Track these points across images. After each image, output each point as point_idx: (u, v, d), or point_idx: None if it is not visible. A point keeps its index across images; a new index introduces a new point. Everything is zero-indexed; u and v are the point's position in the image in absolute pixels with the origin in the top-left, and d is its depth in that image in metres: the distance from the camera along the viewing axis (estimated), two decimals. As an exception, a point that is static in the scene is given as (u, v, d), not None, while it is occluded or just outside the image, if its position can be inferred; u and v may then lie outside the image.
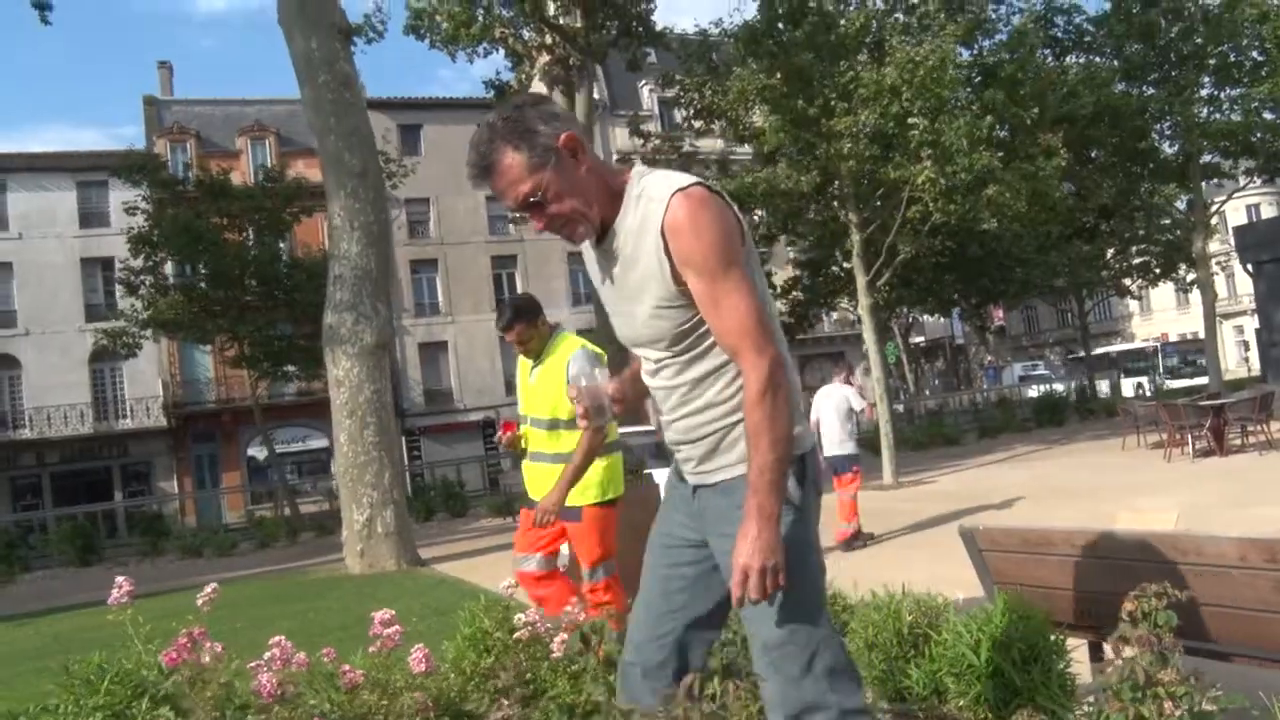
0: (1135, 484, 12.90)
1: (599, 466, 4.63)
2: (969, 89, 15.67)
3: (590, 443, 4.45)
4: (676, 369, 2.22)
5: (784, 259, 34.33)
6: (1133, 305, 54.64)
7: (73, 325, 36.54)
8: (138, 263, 23.60)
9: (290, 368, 24.37)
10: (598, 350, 4.78)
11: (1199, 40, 21.47)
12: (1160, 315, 55.95)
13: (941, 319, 49.39)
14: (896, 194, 16.69)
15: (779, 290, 28.99)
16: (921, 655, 3.85)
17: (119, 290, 24.80)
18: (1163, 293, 48.36)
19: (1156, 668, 2.39)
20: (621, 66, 24.89)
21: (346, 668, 3.33)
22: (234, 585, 12.63)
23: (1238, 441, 15.85)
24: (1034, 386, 40.94)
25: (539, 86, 26.55)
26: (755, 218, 22.99)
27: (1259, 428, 15.57)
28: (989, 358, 62.04)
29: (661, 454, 11.31)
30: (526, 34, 23.94)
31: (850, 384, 11.36)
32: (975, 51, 17.69)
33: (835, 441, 11.19)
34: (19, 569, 21.31)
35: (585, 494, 4.62)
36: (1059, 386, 38.05)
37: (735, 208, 2.15)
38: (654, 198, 2.08)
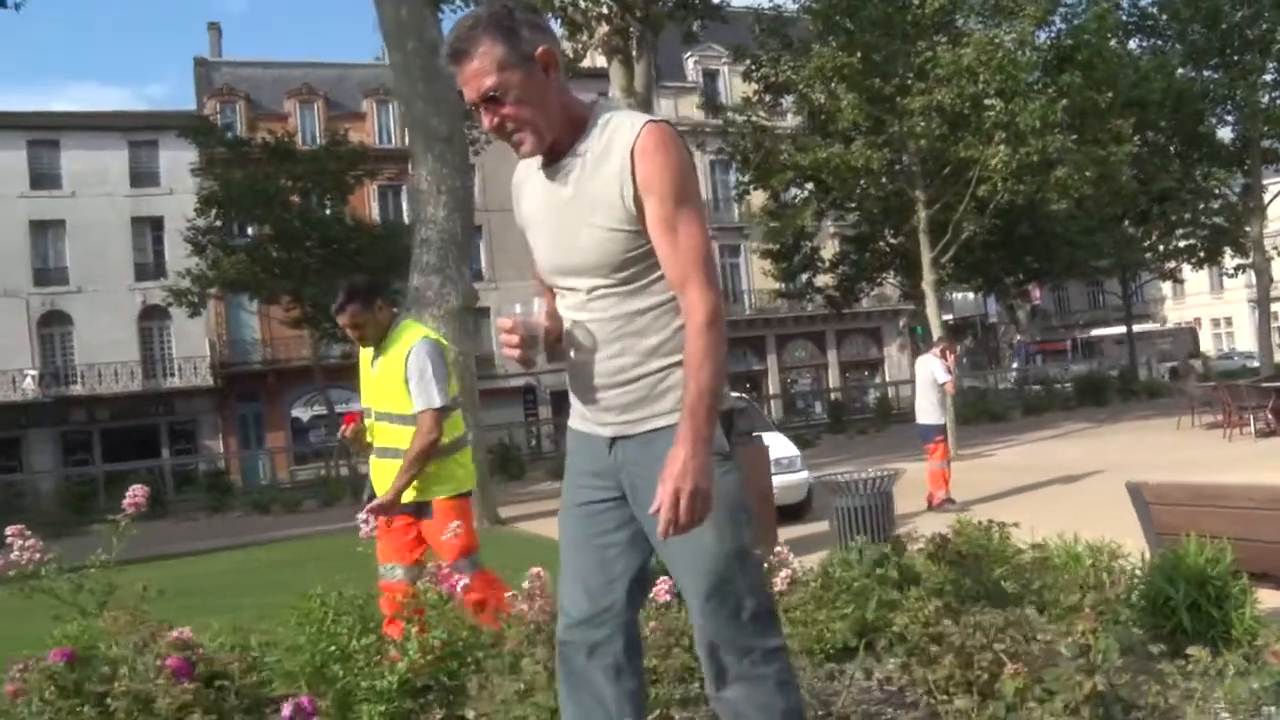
0: (1201, 460, 13.24)
1: (452, 460, 4.39)
2: (1044, 72, 15.88)
3: (423, 438, 4.21)
4: (614, 299, 2.16)
5: (826, 234, 34.58)
6: (1165, 288, 54.54)
7: (123, 284, 37.08)
8: (202, 222, 24.07)
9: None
10: (442, 341, 4.53)
11: (1265, 25, 21.57)
12: (1194, 299, 55.90)
13: (971, 297, 49.54)
14: (964, 172, 17.00)
15: (827, 264, 29.29)
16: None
17: (186, 249, 25.26)
18: (1197, 277, 48.30)
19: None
20: (665, 39, 25.16)
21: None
22: (334, 538, 13.14)
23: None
24: (1068, 366, 41.25)
25: (597, 57, 26.83)
26: (804, 191, 23.32)
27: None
28: (1018, 337, 62.08)
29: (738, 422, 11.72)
30: (583, 3, 24.20)
31: (945, 358, 11.71)
32: (1052, 35, 17.88)
33: (922, 410, 11.64)
34: (89, 521, 21.93)
35: (438, 488, 4.33)
36: (1085, 367, 38.40)
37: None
38: (623, 124, 2.10)
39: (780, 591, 4.54)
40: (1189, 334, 46.02)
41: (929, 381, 11.57)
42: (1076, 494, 11.34)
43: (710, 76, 44.24)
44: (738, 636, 2.16)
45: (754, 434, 9.78)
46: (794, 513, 11.17)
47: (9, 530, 3.86)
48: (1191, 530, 4.69)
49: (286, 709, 2.81)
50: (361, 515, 4.22)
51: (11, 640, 3.99)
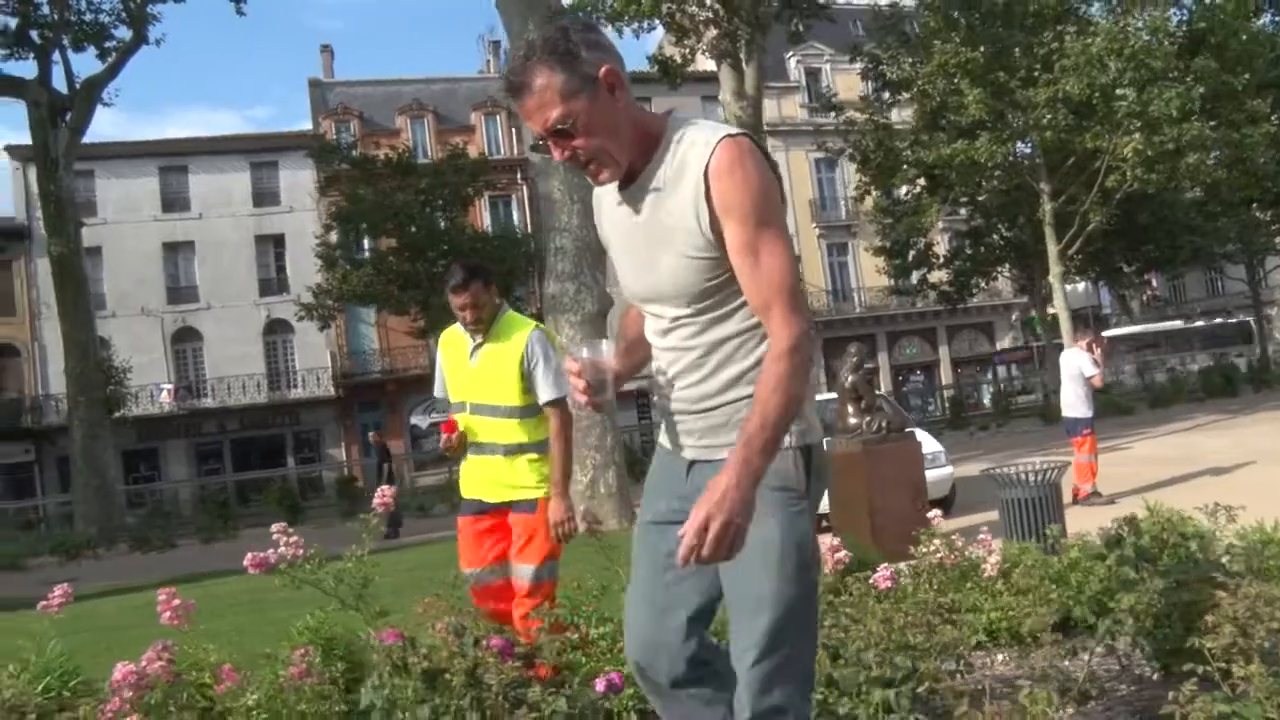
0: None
1: (548, 457, 4.14)
2: (1176, 57, 15.61)
3: (566, 428, 4.05)
4: (695, 329, 2.07)
5: (936, 229, 34.29)
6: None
7: (248, 299, 38.64)
8: (332, 238, 25.01)
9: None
10: (551, 334, 4.32)
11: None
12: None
13: (1081, 288, 48.46)
14: (1090, 163, 16.78)
15: (941, 260, 29.04)
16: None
17: (306, 264, 26.33)
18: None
19: None
20: (769, 39, 25.20)
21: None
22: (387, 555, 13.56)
23: None
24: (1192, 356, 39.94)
25: (706, 61, 27.03)
26: (917, 188, 23.17)
27: None
28: (1133, 328, 60.32)
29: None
30: (691, 7, 24.37)
31: (1091, 350, 11.63)
32: (1183, 18, 17.54)
33: (1068, 404, 11.58)
34: (235, 527, 22.96)
35: (542, 484, 4.11)
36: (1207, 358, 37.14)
37: (770, 157, 2.06)
38: (696, 141, 1.98)
39: (990, 577, 4.73)
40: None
41: (1076, 375, 11.50)
42: (1230, 485, 11.11)
43: (813, 75, 44.12)
44: (782, 689, 2.04)
45: (906, 429, 9.87)
46: (939, 507, 11.21)
47: (274, 527, 4.11)
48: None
49: (600, 684, 3.07)
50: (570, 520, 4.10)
51: (253, 631, 4.32)
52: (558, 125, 1.94)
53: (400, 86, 41.51)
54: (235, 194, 38.88)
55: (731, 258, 1.97)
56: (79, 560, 20.10)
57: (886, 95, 20.02)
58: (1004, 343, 44.35)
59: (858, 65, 35.16)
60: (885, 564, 4.42)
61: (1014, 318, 44.32)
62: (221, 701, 3.84)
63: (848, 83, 36.23)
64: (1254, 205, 26.81)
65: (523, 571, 4.09)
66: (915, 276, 29.59)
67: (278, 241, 39.20)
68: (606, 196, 2.17)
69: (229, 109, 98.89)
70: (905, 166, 19.45)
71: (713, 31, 23.83)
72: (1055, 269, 17.77)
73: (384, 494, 4.40)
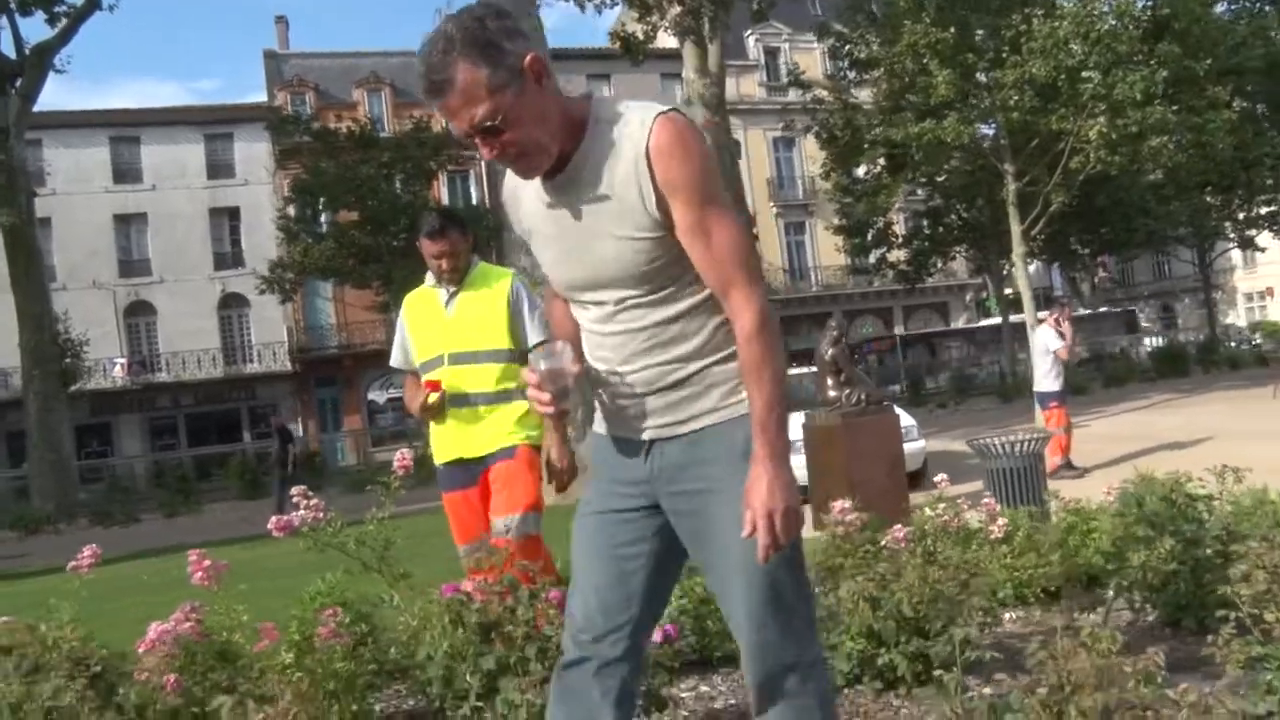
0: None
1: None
2: (1140, 41, 15.90)
3: None
4: (646, 309, 2.00)
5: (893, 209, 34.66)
6: (1235, 257, 53.61)
7: (203, 273, 38.07)
8: (292, 210, 24.73)
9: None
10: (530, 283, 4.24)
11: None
12: (1266, 268, 54.91)
13: (1033, 269, 49.30)
14: (1054, 145, 17.08)
15: (900, 239, 29.37)
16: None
17: (262, 238, 25.98)
18: (1270, 247, 47.47)
19: None
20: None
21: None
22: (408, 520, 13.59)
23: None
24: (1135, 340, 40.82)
25: (669, 39, 26.98)
26: (877, 167, 23.36)
27: None
28: (1081, 309, 61.43)
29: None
30: (654, -17, 24.22)
31: (1058, 325, 11.87)
32: (1149, 3, 17.85)
33: (1038, 378, 11.87)
34: (198, 502, 22.72)
35: (521, 431, 4.00)
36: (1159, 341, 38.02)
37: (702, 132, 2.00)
38: (630, 121, 1.91)
39: (996, 538, 4.88)
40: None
41: (1044, 349, 11.78)
42: (1192, 459, 11.41)
43: (772, 54, 44.26)
44: (787, 648, 2.04)
45: (885, 402, 10.04)
46: (911, 480, 11.42)
47: (294, 491, 4.13)
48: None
49: (658, 634, 3.15)
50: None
51: (259, 597, 4.35)
52: (486, 122, 1.84)
53: (357, 59, 40.99)
54: (189, 166, 38.20)
55: (681, 238, 1.92)
56: (38, 535, 19.82)
57: (852, 74, 20.12)
58: (958, 323, 44.96)
59: (816, 44, 35.45)
60: (899, 525, 4.55)
61: (968, 298, 44.96)
62: (258, 660, 3.88)
63: (806, 61, 36.44)
64: (1207, 190, 27.42)
65: (504, 525, 3.87)
66: (874, 256, 29.89)
67: (233, 214, 38.62)
68: (525, 189, 2.06)
69: (174, 80, 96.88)
70: (870, 145, 19.60)
71: (676, 8, 23.82)
72: (1019, 249, 18.07)
73: (404, 456, 4.42)
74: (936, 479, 5.17)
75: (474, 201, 35.99)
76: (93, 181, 36.84)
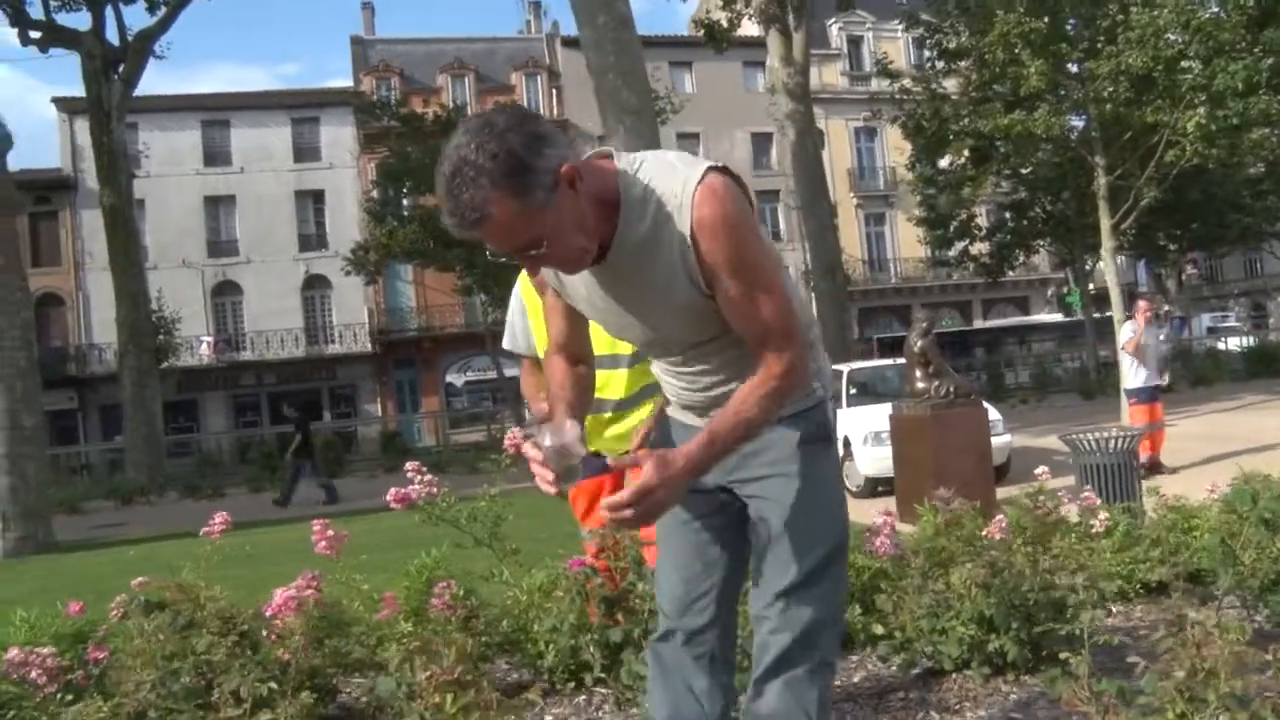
0: None
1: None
2: (1245, 29, 15.47)
3: None
4: (716, 346, 2.03)
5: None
6: (1332, 256, 51.86)
7: (287, 255, 38.93)
8: (376, 194, 25.19)
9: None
10: None
11: None
12: (1362, 268, 53.00)
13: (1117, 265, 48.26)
14: (1147, 137, 16.71)
15: (983, 232, 28.97)
16: None
17: (346, 220, 26.49)
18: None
19: None
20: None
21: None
22: (530, 494, 13.79)
23: None
24: (1222, 338, 39.74)
25: (752, 27, 26.85)
26: (962, 159, 23.03)
27: None
28: (1165, 307, 59.94)
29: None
30: (739, -28, 24.08)
31: (1136, 318, 11.59)
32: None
33: (1123, 374, 11.69)
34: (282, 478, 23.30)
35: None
36: (1248, 340, 36.88)
37: (741, 181, 1.94)
38: (667, 197, 1.84)
39: (1096, 533, 4.86)
40: None
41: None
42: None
43: (855, 43, 43.84)
44: (805, 638, 2.05)
45: (973, 396, 9.99)
46: (996, 474, 11.34)
47: (408, 466, 4.25)
48: None
49: None
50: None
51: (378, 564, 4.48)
52: (530, 251, 1.78)
53: (441, 45, 41.51)
54: (276, 149, 39.06)
55: (723, 305, 1.92)
56: (132, 505, 20.55)
57: (940, 64, 19.87)
58: (1040, 318, 44.19)
59: (899, 33, 34.99)
60: (999, 515, 4.57)
61: (1049, 293, 44.14)
62: (378, 629, 4.03)
63: (890, 50, 36.00)
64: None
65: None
66: (956, 248, 29.51)
67: (317, 197, 39.42)
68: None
69: (256, 65, 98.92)
70: (957, 136, 19.34)
71: (760, -3, 23.71)
72: (1108, 243, 17.70)
73: (514, 436, 4.50)
74: (1037, 471, 5.17)
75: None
76: (184, 164, 37.91)
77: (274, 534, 11.12)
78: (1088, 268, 29.08)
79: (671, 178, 1.85)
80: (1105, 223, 17.79)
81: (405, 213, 25.28)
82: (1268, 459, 11.38)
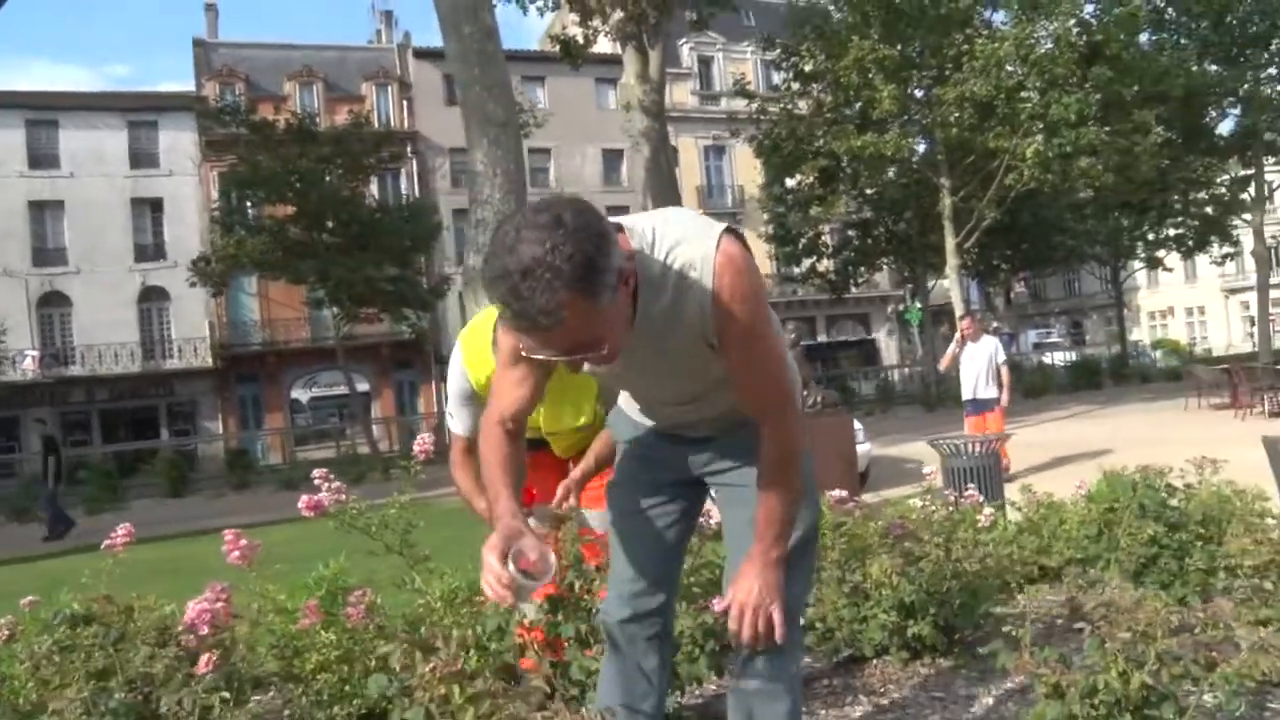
0: (1227, 436, 13.84)
1: None
2: (1076, 65, 16.61)
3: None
4: (721, 395, 2.11)
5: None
6: (1140, 278, 55.86)
7: (122, 265, 36.95)
8: (224, 203, 24.32)
9: (370, 309, 25.25)
10: None
11: (1265, 23, 22.44)
12: (1167, 289, 57.20)
13: (941, 283, 50.82)
14: (989, 161, 17.72)
15: (830, 249, 30.02)
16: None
17: (185, 230, 25.45)
18: (1175, 268, 49.48)
19: None
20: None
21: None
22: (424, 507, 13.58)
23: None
24: (1047, 353, 42.39)
25: (610, 44, 27.09)
26: (810, 178, 23.90)
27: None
28: (994, 324, 63.22)
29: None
30: (596, -13, 24.29)
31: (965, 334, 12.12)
32: (1083, 30, 18.62)
33: (976, 386, 12.25)
34: (121, 498, 22.19)
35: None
36: (1069, 355, 39.48)
37: (747, 244, 1.99)
38: (689, 265, 1.88)
39: (983, 526, 5.16)
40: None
41: (988, 358, 12.13)
42: (1132, 464, 11.95)
43: (705, 63, 44.79)
44: (786, 614, 2.10)
45: (837, 406, 10.38)
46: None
47: (315, 473, 4.18)
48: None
49: (717, 603, 3.30)
50: None
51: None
52: (591, 350, 1.76)
53: (289, 51, 40.31)
54: (110, 153, 37.03)
55: (729, 368, 1.99)
56: (-47, 529, 19.18)
57: (796, 86, 20.58)
58: (880, 334, 45.98)
59: (748, 54, 35.96)
60: (900, 516, 4.81)
61: (889, 310, 45.99)
62: (297, 639, 3.94)
63: (739, 71, 37.09)
64: (1117, 212, 28.58)
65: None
66: (804, 265, 30.48)
67: (155, 205, 37.60)
68: None
69: (75, 64, 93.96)
70: (814, 156, 20.08)
71: (619, 13, 23.99)
72: (953, 261, 18.72)
73: (423, 442, 4.49)
74: (925, 471, 5.45)
75: (403, 198, 35.58)
76: (6, 165, 35.62)
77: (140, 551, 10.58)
78: (930, 285, 30.44)
79: (689, 248, 1.88)
80: (950, 241, 18.74)
81: (254, 223, 24.46)
82: (1099, 464, 12.21)
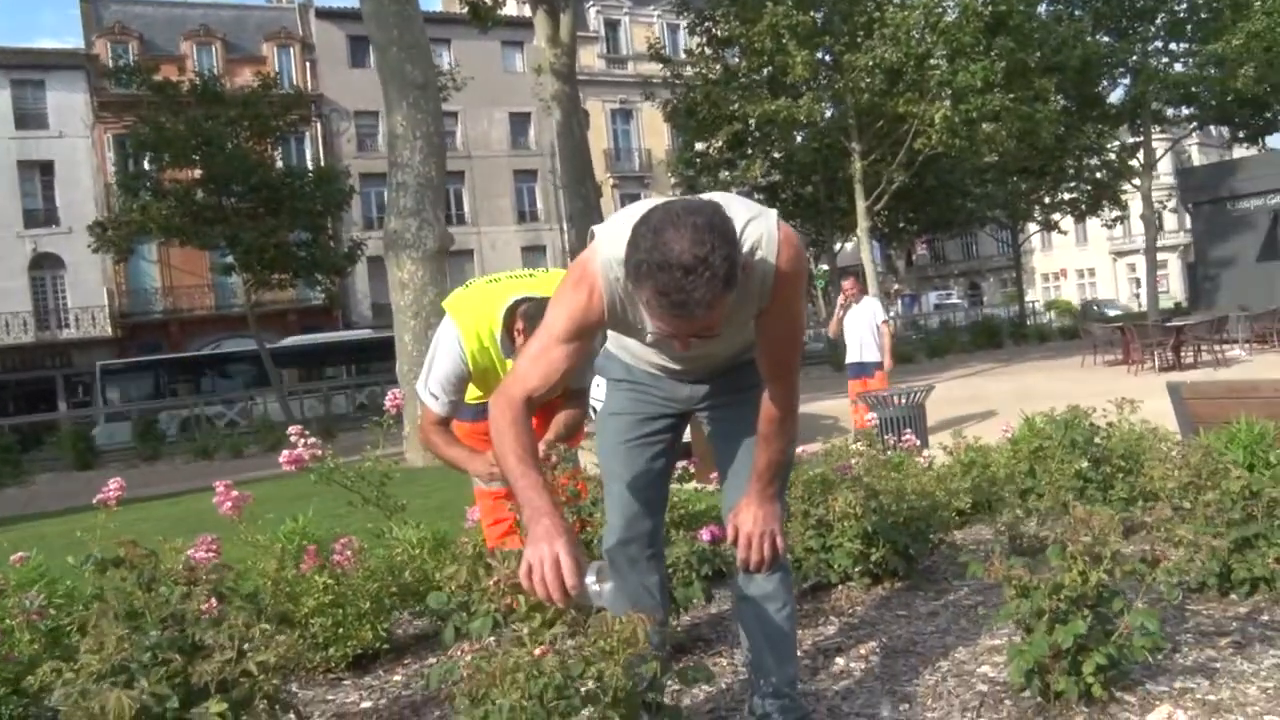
0: (1123, 389, 14.50)
1: None
2: (981, 35, 17.20)
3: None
4: (743, 350, 2.41)
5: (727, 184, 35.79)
6: (1035, 241, 57.89)
7: (10, 231, 35.55)
8: (131, 166, 23.59)
9: (282, 275, 24.84)
10: None
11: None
12: (1060, 251, 59.42)
13: (849, 246, 51.85)
14: (898, 126, 18.28)
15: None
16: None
17: (78, 194, 24.54)
18: (1069, 232, 51.41)
19: None
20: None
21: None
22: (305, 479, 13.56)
23: (1191, 359, 18.09)
24: (948, 314, 43.79)
25: (516, 6, 26.90)
26: (720, 142, 24.24)
27: (1213, 346, 17.90)
28: (896, 285, 64.85)
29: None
30: (505, -51, 24.13)
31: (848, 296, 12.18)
32: (985, 1, 19.22)
33: (866, 347, 12.32)
34: (25, 472, 21.50)
35: None
36: (969, 315, 40.87)
37: None
38: (757, 240, 2.06)
39: (924, 467, 5.56)
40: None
41: (871, 321, 11.92)
42: (1039, 417, 12.54)
43: (612, 26, 44.75)
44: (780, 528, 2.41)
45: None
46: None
47: (291, 430, 4.33)
48: (1221, 419, 5.63)
49: (705, 533, 3.56)
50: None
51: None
52: (716, 330, 1.97)
53: (186, 9, 39.11)
54: (-9, 114, 35.58)
55: (759, 336, 2.24)
56: None
57: (709, 51, 20.83)
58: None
59: (655, 17, 35.99)
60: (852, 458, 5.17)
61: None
62: (296, 585, 4.11)
63: (645, 34, 37.19)
64: (1017, 176, 29.63)
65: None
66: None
67: (45, 169, 36.18)
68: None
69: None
70: (730, 120, 20.38)
71: (531, -25, 23.86)
72: (863, 224, 19.28)
73: (395, 397, 4.67)
74: (869, 418, 5.87)
75: (308, 161, 34.92)
76: (-125, 124, 33.92)
77: (74, 520, 10.48)
78: (836, 248, 31.12)
79: (755, 226, 2.07)
80: (860, 204, 19.29)
81: (157, 187, 23.78)
82: (1007, 418, 12.83)
